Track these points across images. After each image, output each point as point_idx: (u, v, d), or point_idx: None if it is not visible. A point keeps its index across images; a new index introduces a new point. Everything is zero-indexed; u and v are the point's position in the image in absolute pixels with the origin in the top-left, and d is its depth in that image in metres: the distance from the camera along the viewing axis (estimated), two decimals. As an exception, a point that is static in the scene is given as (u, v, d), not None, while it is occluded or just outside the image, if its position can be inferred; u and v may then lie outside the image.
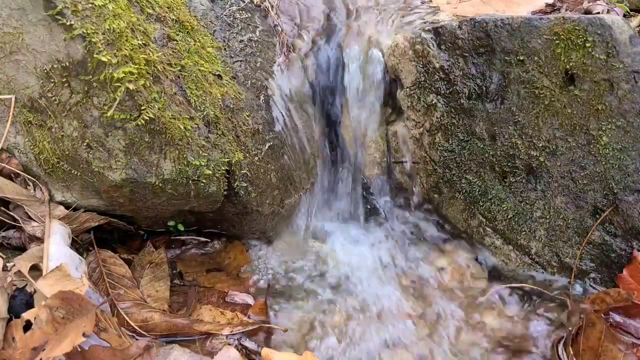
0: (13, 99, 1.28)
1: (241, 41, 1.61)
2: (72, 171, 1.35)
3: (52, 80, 1.24)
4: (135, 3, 1.31)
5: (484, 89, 1.59)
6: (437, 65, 1.65)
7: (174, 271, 1.59)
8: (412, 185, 1.84)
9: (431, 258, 1.72)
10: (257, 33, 1.68)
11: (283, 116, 1.66)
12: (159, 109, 1.27)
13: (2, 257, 1.21)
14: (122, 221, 1.54)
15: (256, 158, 1.54)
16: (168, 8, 1.40)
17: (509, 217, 1.64)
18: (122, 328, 1.26)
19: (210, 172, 1.40)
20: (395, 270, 1.68)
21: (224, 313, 1.42)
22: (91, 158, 1.31)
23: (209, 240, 1.72)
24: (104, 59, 1.17)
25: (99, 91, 1.22)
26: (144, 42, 1.27)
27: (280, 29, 1.76)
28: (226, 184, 1.47)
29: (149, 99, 1.25)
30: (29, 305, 1.14)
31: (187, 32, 1.43)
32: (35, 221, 1.36)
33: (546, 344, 1.42)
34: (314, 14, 1.89)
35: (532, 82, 1.51)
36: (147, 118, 1.25)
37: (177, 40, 1.38)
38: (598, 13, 1.64)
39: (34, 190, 1.41)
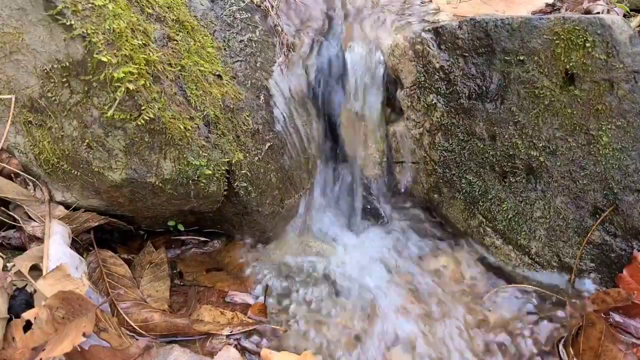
0: (13, 99, 1.28)
1: (241, 41, 1.61)
2: (72, 171, 1.35)
3: (52, 80, 1.24)
4: (135, 3, 1.31)
5: (484, 89, 1.59)
6: (437, 65, 1.65)
7: (174, 271, 1.59)
8: (412, 185, 1.84)
9: (431, 258, 1.72)
10: (257, 33, 1.68)
11: (283, 116, 1.66)
12: (159, 109, 1.27)
13: (2, 257, 1.22)
14: (122, 221, 1.54)
15: (256, 158, 1.54)
16: (168, 8, 1.40)
17: (509, 217, 1.64)
18: (122, 328, 1.26)
19: (210, 172, 1.40)
20: (395, 270, 1.68)
21: (223, 313, 1.42)
22: (91, 158, 1.31)
23: (209, 240, 1.72)
24: (104, 59, 1.17)
25: (99, 91, 1.22)
26: (144, 42, 1.27)
27: (280, 29, 1.76)
28: (226, 184, 1.47)
29: (149, 99, 1.25)
30: (29, 305, 1.14)
31: (187, 32, 1.43)
32: (35, 221, 1.36)
33: (546, 344, 1.42)
34: (314, 14, 1.89)
35: (532, 82, 1.51)
36: (147, 118, 1.25)
37: (177, 40, 1.38)
38: (598, 13, 1.65)
39: (34, 190, 1.41)
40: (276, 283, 1.60)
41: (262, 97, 1.61)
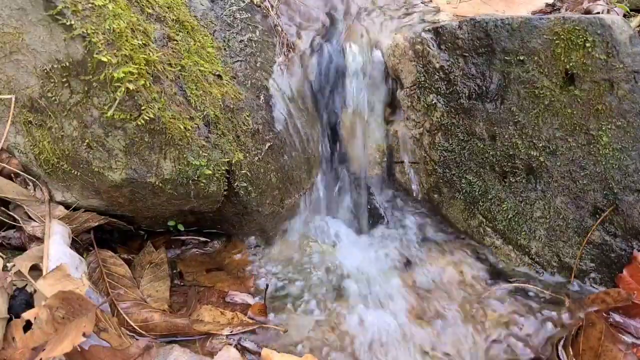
0: (13, 99, 1.28)
1: (241, 41, 1.61)
2: (72, 171, 1.35)
3: (52, 80, 1.24)
4: (135, 3, 1.31)
5: (484, 89, 1.59)
6: (437, 65, 1.65)
7: (174, 271, 1.59)
8: (412, 185, 1.84)
9: (431, 258, 1.72)
10: (257, 33, 1.68)
11: (283, 116, 1.66)
12: (159, 109, 1.27)
13: (2, 257, 1.22)
14: (122, 221, 1.54)
15: (256, 158, 1.54)
16: (168, 8, 1.40)
17: (509, 217, 1.64)
18: (122, 328, 1.26)
19: (210, 172, 1.40)
20: (395, 269, 1.68)
21: (224, 313, 1.42)
22: (91, 158, 1.31)
23: (209, 240, 1.72)
24: (104, 59, 1.17)
25: (99, 91, 1.22)
26: (144, 42, 1.27)
27: (280, 29, 1.76)
28: (226, 184, 1.47)
29: (149, 99, 1.25)
30: (29, 305, 1.14)
31: (187, 32, 1.43)
32: (35, 221, 1.36)
33: (546, 344, 1.42)
34: (314, 14, 1.89)
35: (532, 82, 1.51)
36: (147, 118, 1.25)
37: (177, 40, 1.38)
38: (598, 13, 1.65)
39: (34, 190, 1.41)
40: (276, 283, 1.60)
41: (262, 97, 1.61)
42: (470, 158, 1.67)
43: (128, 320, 1.30)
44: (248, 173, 1.51)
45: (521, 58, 1.51)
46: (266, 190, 1.59)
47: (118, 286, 1.39)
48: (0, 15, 1.19)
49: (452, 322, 1.50)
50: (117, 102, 1.22)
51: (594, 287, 1.54)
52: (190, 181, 1.38)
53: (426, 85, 1.69)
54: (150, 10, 1.34)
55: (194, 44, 1.43)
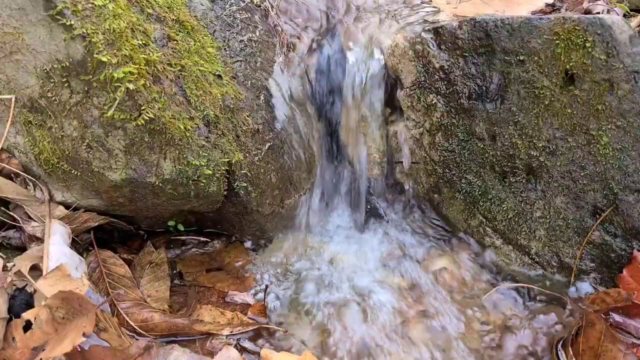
0: (13, 99, 1.28)
1: (241, 41, 1.62)
2: (72, 171, 1.35)
3: (52, 80, 1.24)
4: (135, 3, 1.31)
5: (484, 89, 1.59)
6: (437, 65, 1.65)
7: (174, 271, 1.59)
8: (412, 185, 1.84)
9: (431, 258, 1.72)
10: (257, 33, 1.68)
11: (283, 116, 1.66)
12: (159, 109, 1.27)
13: (2, 257, 1.22)
14: (122, 221, 1.54)
15: (256, 158, 1.54)
16: (168, 8, 1.40)
17: (509, 217, 1.64)
18: (122, 328, 1.26)
19: (210, 172, 1.40)
20: (395, 270, 1.68)
21: (224, 313, 1.42)
22: (91, 158, 1.31)
23: (209, 240, 1.72)
24: (104, 59, 1.17)
25: (99, 91, 1.22)
26: (144, 42, 1.27)
27: (280, 29, 1.76)
28: (226, 184, 1.47)
29: (149, 99, 1.25)
30: (29, 305, 1.14)
31: (187, 32, 1.43)
32: (35, 221, 1.36)
33: (546, 344, 1.42)
34: (314, 14, 1.89)
35: (532, 82, 1.51)
36: (147, 118, 1.25)
37: (177, 40, 1.38)
38: (598, 13, 1.65)
39: (34, 190, 1.41)
40: (276, 283, 1.60)
41: (262, 97, 1.61)
42: (470, 158, 1.67)
43: (128, 320, 1.30)
44: (248, 173, 1.51)
45: (521, 58, 1.51)
46: (266, 191, 1.59)
47: (118, 286, 1.39)
48: (0, 15, 1.19)
49: (451, 322, 1.50)
50: (117, 102, 1.22)
51: (594, 287, 1.54)
52: (190, 181, 1.38)
53: (426, 85, 1.69)
54: (150, 10, 1.34)
55: (194, 44, 1.44)
